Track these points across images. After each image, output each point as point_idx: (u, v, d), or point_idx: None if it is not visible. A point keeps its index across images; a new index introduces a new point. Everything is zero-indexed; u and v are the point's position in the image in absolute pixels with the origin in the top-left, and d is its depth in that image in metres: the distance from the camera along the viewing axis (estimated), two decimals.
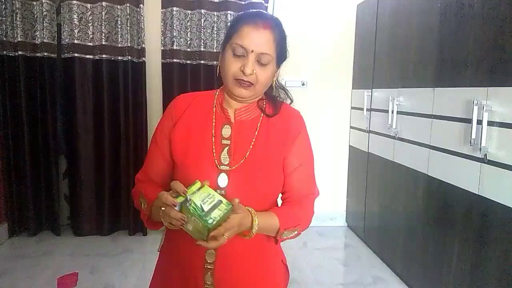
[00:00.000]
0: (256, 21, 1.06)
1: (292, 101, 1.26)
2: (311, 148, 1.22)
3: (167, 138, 1.16)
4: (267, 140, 1.13)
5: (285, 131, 1.16)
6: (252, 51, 1.05)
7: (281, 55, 1.13)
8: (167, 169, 1.18)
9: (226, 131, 1.13)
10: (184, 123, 1.15)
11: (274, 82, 1.18)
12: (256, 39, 1.05)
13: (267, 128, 1.15)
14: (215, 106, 1.17)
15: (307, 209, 1.18)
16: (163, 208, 0.95)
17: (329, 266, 3.03)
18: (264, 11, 1.13)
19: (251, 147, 1.11)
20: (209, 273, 1.08)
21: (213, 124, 1.14)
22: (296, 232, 1.15)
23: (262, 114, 1.17)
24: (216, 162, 1.09)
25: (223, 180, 1.08)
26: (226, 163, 1.09)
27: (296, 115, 1.22)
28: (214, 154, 1.10)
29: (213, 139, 1.12)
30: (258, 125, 1.15)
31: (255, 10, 1.15)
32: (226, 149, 1.11)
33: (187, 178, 1.08)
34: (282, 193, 1.18)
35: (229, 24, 1.14)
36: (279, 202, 1.20)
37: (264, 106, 1.18)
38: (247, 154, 1.10)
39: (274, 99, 1.21)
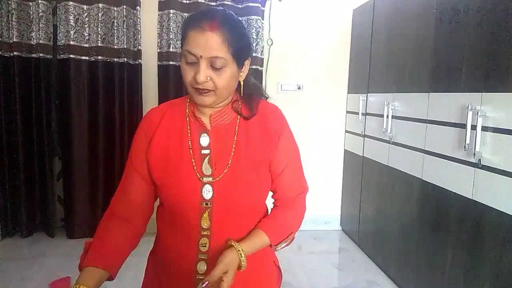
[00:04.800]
0: (202, 24, 0.97)
1: (267, 98, 1.20)
2: (295, 143, 1.17)
3: (144, 158, 1.10)
4: (248, 143, 1.08)
5: (266, 131, 1.10)
6: (201, 56, 0.96)
7: (239, 54, 1.02)
8: (147, 190, 1.13)
9: (204, 140, 1.07)
10: (159, 140, 1.09)
11: (241, 82, 1.10)
12: (203, 44, 0.96)
13: (246, 131, 1.09)
14: (188, 115, 1.11)
15: (299, 210, 1.17)
16: None
17: (324, 270, 3.03)
18: (214, 9, 1.05)
19: (232, 153, 1.06)
20: (201, 283, 1.06)
21: (189, 134, 1.08)
22: (289, 240, 1.14)
23: (239, 117, 1.11)
24: (198, 175, 1.04)
25: (207, 193, 1.04)
26: (209, 173, 1.05)
27: (275, 111, 1.15)
28: (195, 167, 1.05)
29: (191, 151, 1.06)
30: (236, 129, 1.09)
31: (203, 10, 1.05)
32: (206, 159, 1.06)
33: (169, 196, 1.06)
34: (273, 193, 1.16)
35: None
36: (269, 201, 1.18)
37: (239, 107, 1.11)
38: (229, 162, 1.05)
39: (249, 99, 1.13)
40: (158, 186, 1.09)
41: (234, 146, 1.07)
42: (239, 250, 1.00)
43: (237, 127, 1.10)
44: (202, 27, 0.96)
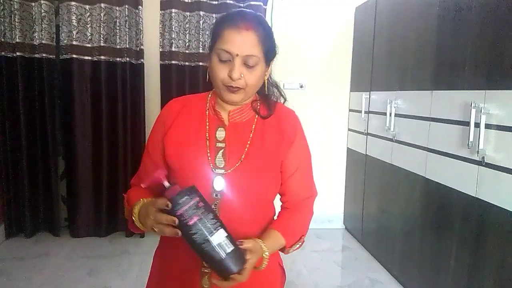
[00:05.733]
0: (238, 23, 1.03)
1: (285, 100, 1.24)
2: (308, 148, 1.20)
3: (159, 144, 1.14)
4: (263, 141, 1.11)
5: (281, 132, 1.14)
6: (237, 55, 1.02)
7: (269, 53, 1.09)
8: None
9: (221, 133, 1.11)
10: (178, 128, 1.14)
11: (266, 80, 1.16)
12: (239, 42, 1.02)
13: (262, 130, 1.13)
14: (208, 109, 1.15)
15: (307, 214, 1.19)
16: (152, 217, 0.94)
17: (327, 268, 3.03)
18: (246, 10, 1.14)
19: (246, 149, 1.09)
20: (206, 277, 1.07)
21: (207, 127, 1.12)
22: (300, 243, 1.16)
23: (256, 116, 1.15)
24: (212, 166, 1.07)
25: (219, 184, 1.06)
26: (222, 166, 1.08)
27: (291, 115, 1.20)
28: (209, 158, 1.08)
29: (208, 142, 1.10)
30: (253, 127, 1.13)
31: (236, 10, 1.12)
32: (221, 152, 1.09)
33: (182, 183, 1.07)
34: (281, 195, 1.18)
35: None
36: (277, 203, 1.20)
37: (258, 107, 1.16)
38: (243, 156, 1.08)
39: (268, 100, 1.18)
40: (172, 171, 1.12)
41: (249, 142, 1.10)
42: (263, 247, 1.02)
43: (254, 125, 1.13)
44: (238, 26, 1.02)
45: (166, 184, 0.93)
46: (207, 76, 1.13)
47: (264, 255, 1.01)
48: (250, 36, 1.03)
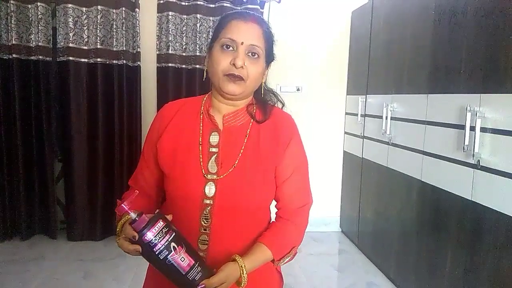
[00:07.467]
0: (244, 16, 1.07)
1: (283, 104, 1.23)
2: (305, 153, 1.18)
3: (153, 148, 1.13)
4: (258, 147, 1.09)
5: (276, 137, 1.12)
6: (242, 43, 1.03)
7: (269, 52, 1.11)
8: (153, 179, 1.18)
9: (214, 138, 1.10)
10: (171, 132, 1.12)
11: (263, 84, 1.16)
12: (245, 31, 1.04)
13: (258, 135, 1.11)
14: (202, 112, 1.14)
15: (301, 225, 1.16)
16: (117, 240, 0.97)
17: (323, 272, 3.03)
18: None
19: (240, 155, 1.08)
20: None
21: (201, 131, 1.11)
22: (291, 255, 1.14)
23: (252, 120, 1.13)
24: (203, 171, 1.06)
25: (210, 190, 1.05)
26: (214, 171, 1.06)
27: (287, 119, 1.18)
28: (201, 163, 1.07)
29: (200, 147, 1.09)
30: (248, 132, 1.11)
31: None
32: (213, 157, 1.08)
33: (175, 188, 1.08)
34: (276, 202, 1.16)
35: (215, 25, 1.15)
36: (272, 208, 1.18)
37: (254, 111, 1.14)
38: (236, 162, 1.07)
39: (264, 104, 1.17)
40: (165, 176, 1.12)
41: (243, 148, 1.09)
42: (241, 266, 1.00)
43: (249, 130, 1.12)
44: (245, 17, 1.06)
45: (133, 215, 0.93)
46: (204, 74, 1.12)
47: (242, 275, 0.99)
48: (255, 28, 1.06)
